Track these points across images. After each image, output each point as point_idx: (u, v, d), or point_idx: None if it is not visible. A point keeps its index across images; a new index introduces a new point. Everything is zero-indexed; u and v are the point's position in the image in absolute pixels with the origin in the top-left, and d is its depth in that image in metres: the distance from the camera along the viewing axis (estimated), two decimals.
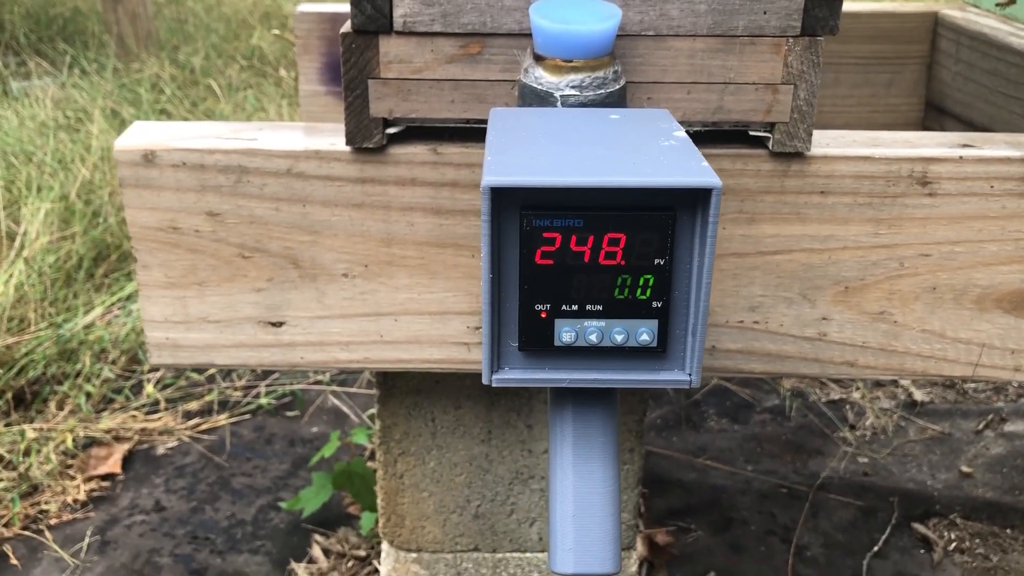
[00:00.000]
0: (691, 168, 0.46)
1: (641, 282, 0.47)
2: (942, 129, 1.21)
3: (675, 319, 0.49)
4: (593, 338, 0.49)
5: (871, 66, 1.24)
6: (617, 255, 0.47)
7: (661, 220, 0.46)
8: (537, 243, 0.47)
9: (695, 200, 0.46)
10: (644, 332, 0.49)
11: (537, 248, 0.47)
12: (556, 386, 0.50)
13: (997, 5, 0.86)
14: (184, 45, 3.39)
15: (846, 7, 1.24)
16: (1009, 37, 1.05)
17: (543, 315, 0.48)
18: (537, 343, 0.49)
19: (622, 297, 0.48)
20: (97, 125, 2.35)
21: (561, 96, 0.57)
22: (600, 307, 0.48)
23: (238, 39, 3.48)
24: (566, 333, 0.49)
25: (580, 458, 0.51)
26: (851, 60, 1.24)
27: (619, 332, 0.49)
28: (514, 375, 0.50)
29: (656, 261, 0.47)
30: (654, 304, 0.48)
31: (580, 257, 0.47)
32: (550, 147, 0.49)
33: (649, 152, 0.48)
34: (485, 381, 0.49)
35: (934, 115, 1.23)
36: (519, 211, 0.46)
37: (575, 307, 0.48)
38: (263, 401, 1.60)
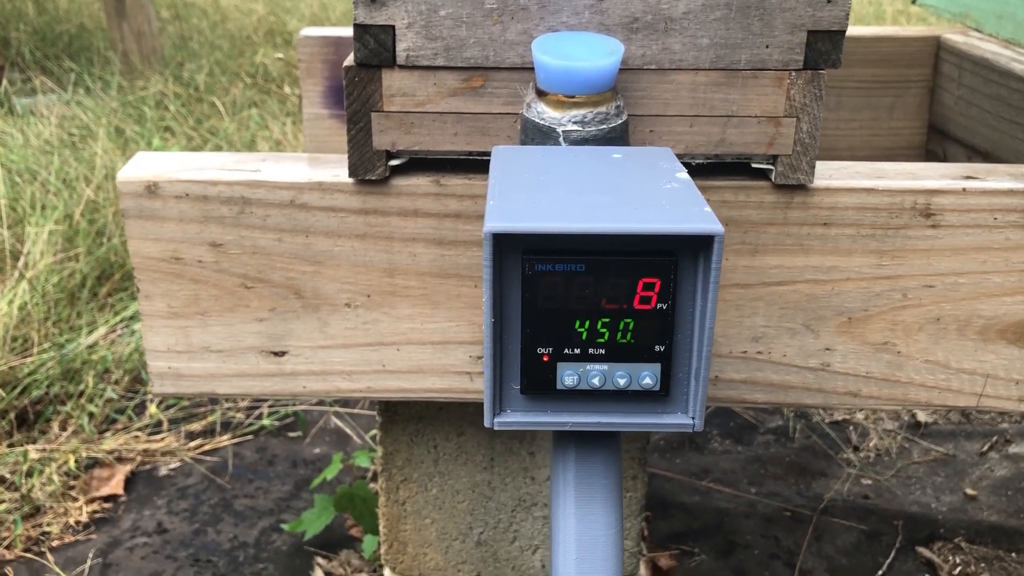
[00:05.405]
0: (693, 214, 0.46)
1: (644, 326, 0.47)
2: (945, 153, 1.21)
3: (678, 363, 0.49)
4: (596, 382, 0.49)
5: (873, 90, 1.24)
6: (619, 299, 0.47)
7: (663, 265, 0.46)
8: (539, 287, 0.47)
9: (697, 246, 0.46)
10: (647, 376, 0.48)
11: (539, 292, 0.47)
12: (558, 429, 0.50)
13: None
14: (189, 62, 3.41)
15: (847, 31, 1.24)
16: (1012, 63, 1.05)
17: (545, 359, 0.48)
18: (539, 386, 0.49)
19: (624, 341, 0.48)
20: (101, 144, 2.35)
21: (563, 131, 0.57)
22: (603, 351, 0.48)
23: (242, 56, 3.49)
24: (568, 377, 0.49)
25: (582, 501, 0.51)
26: (853, 84, 1.24)
27: (622, 376, 0.48)
28: (516, 418, 0.50)
29: (659, 305, 0.47)
30: (657, 348, 0.48)
31: (583, 301, 0.47)
32: (552, 190, 0.49)
33: (651, 195, 0.48)
34: (487, 424, 0.49)
35: (937, 139, 1.23)
36: (521, 256, 0.46)
37: (577, 351, 0.48)
38: (265, 422, 1.60)
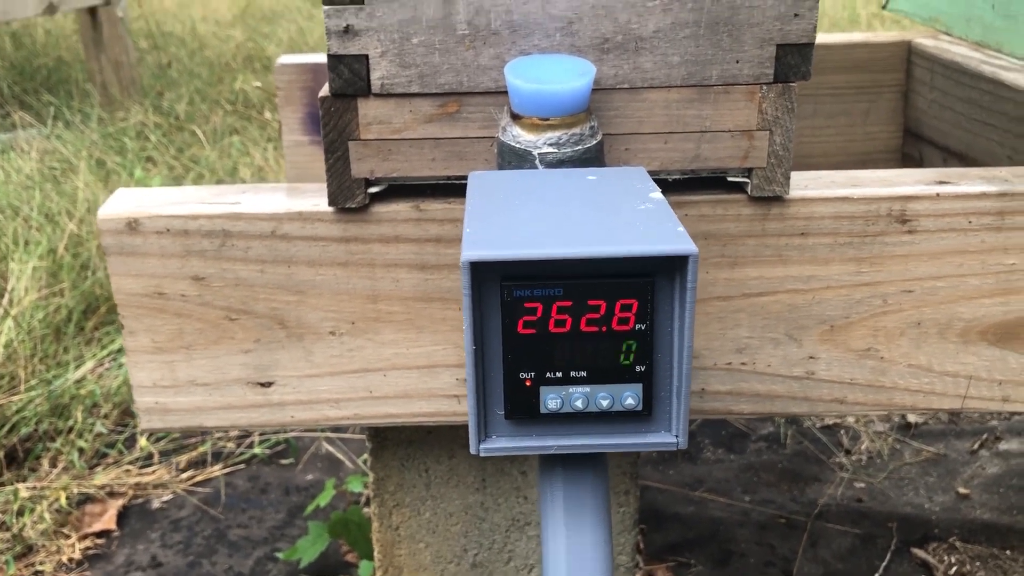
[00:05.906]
0: (667, 234, 0.46)
1: (624, 347, 0.48)
2: (921, 156, 1.23)
3: (659, 382, 0.49)
4: (579, 404, 0.49)
5: (848, 96, 1.26)
6: (598, 322, 0.47)
7: (640, 286, 0.47)
8: (519, 313, 0.47)
9: (672, 266, 0.47)
10: (629, 396, 0.49)
11: (519, 318, 0.47)
12: (544, 453, 0.50)
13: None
14: (168, 91, 3.41)
15: (820, 39, 1.25)
16: (981, 65, 1.06)
17: (528, 383, 0.49)
18: (523, 411, 0.50)
19: (606, 363, 0.48)
20: (83, 177, 2.35)
21: (539, 154, 0.58)
22: (584, 373, 0.49)
23: (222, 83, 3.49)
24: (552, 400, 0.49)
25: (572, 523, 0.51)
26: (827, 90, 1.25)
27: (604, 397, 0.49)
28: (502, 443, 0.50)
29: (637, 326, 0.47)
30: (637, 368, 0.48)
31: (562, 325, 0.47)
32: (528, 215, 0.49)
33: (626, 217, 0.48)
34: (473, 451, 0.49)
35: (912, 142, 1.24)
36: (500, 282, 0.47)
37: (559, 374, 0.49)
38: (257, 450, 1.59)
